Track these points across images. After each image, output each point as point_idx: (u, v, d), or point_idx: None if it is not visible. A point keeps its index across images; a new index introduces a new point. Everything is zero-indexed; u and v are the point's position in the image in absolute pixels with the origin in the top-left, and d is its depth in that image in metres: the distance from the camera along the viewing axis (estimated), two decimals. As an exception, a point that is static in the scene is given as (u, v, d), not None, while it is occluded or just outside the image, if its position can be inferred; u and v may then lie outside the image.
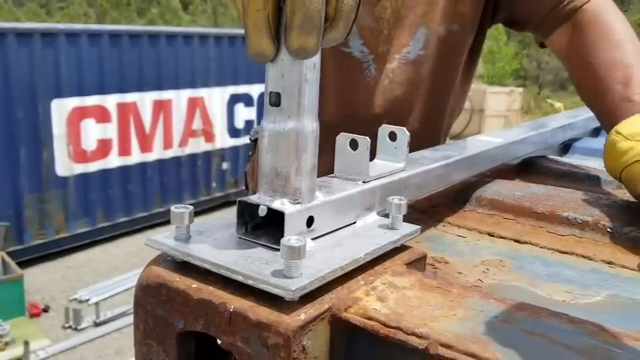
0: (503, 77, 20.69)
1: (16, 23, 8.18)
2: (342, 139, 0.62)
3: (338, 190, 0.57)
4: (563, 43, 1.04)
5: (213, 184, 7.68)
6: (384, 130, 0.69)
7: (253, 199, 0.52)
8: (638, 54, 0.92)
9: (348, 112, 1.15)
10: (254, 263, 0.46)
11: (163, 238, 0.50)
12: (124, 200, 6.74)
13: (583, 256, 0.65)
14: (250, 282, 0.44)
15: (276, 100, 0.51)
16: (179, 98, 7.11)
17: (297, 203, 0.51)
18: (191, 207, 0.51)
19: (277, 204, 0.50)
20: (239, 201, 0.52)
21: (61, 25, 7.00)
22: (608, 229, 0.69)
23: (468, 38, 1.17)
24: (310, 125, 0.51)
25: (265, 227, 0.52)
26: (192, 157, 7.38)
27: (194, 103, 7.30)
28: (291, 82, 0.50)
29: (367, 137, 0.60)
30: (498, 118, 15.39)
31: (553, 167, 1.02)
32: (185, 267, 0.48)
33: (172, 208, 0.50)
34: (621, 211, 0.72)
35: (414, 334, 0.41)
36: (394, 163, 0.68)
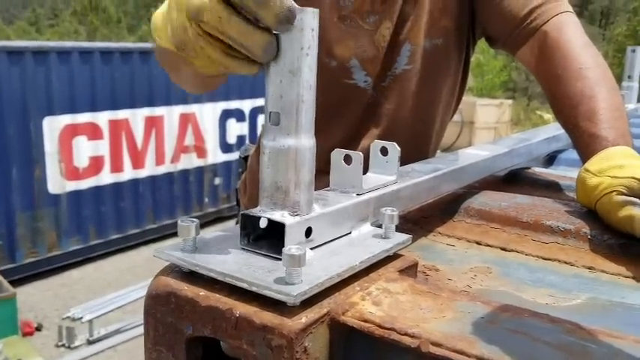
0: (492, 89, 20.89)
1: (7, 42, 8.20)
2: (337, 154, 0.66)
3: (334, 202, 0.60)
4: (532, 62, 1.08)
5: (206, 200, 7.70)
6: (376, 145, 0.73)
7: (255, 211, 0.55)
8: (601, 79, 0.95)
9: (351, 135, 1.21)
10: (257, 271, 0.49)
11: (171, 249, 0.54)
12: (116, 217, 6.74)
13: (565, 262, 0.69)
14: (254, 288, 0.47)
15: (275, 119, 0.55)
16: (171, 114, 7.15)
17: (297, 215, 0.54)
18: (197, 220, 0.54)
19: (278, 216, 0.54)
20: (242, 214, 0.55)
21: (53, 43, 7.02)
22: (589, 237, 0.73)
23: (452, 52, 1.21)
24: (308, 142, 0.55)
25: (267, 238, 0.55)
26: (185, 172, 7.40)
27: (186, 119, 7.34)
28: (289, 102, 0.54)
29: (360, 153, 0.64)
30: (488, 130, 15.51)
31: (538, 178, 1.07)
32: (192, 276, 0.51)
33: (179, 221, 0.54)
34: (600, 220, 0.76)
35: (406, 334, 0.44)
36: (386, 176, 0.72)
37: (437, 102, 1.25)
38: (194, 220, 0.54)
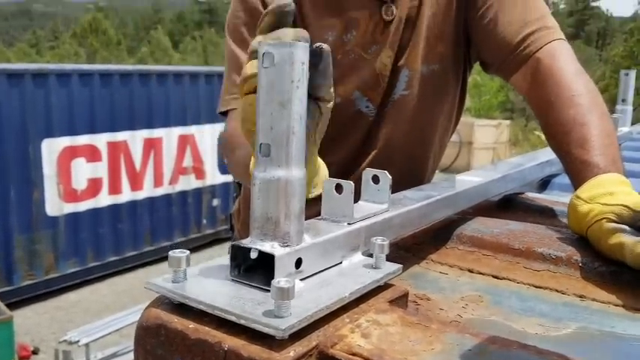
0: (490, 110, 21.00)
1: (8, 64, 8.26)
2: (328, 184, 0.66)
3: (325, 232, 0.61)
4: (524, 88, 1.09)
5: (204, 221, 7.70)
6: (368, 173, 0.74)
7: (245, 242, 0.56)
8: (592, 106, 0.96)
9: (352, 158, 1.23)
10: (247, 304, 0.50)
11: (162, 281, 0.54)
12: (114, 239, 6.73)
13: (556, 290, 0.69)
14: (243, 322, 0.47)
15: (266, 150, 0.55)
16: (170, 136, 7.18)
17: (287, 246, 0.55)
18: (187, 252, 0.55)
19: (268, 247, 0.54)
20: (232, 245, 0.55)
21: (52, 66, 7.08)
22: (580, 264, 0.73)
23: (449, 77, 1.23)
24: (298, 173, 0.56)
25: (257, 269, 0.55)
26: (183, 194, 7.41)
27: (185, 140, 7.37)
28: (279, 134, 0.54)
29: (351, 182, 0.64)
30: (487, 150, 15.57)
31: (531, 204, 1.07)
32: (183, 308, 0.51)
33: (170, 253, 0.54)
34: (592, 247, 0.76)
35: (395, 367, 0.44)
36: (378, 204, 0.72)
37: (434, 125, 1.27)
38: (185, 251, 0.54)
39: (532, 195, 1.14)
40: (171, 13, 63.27)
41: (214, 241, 7.75)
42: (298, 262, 0.56)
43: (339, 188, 0.66)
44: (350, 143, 1.22)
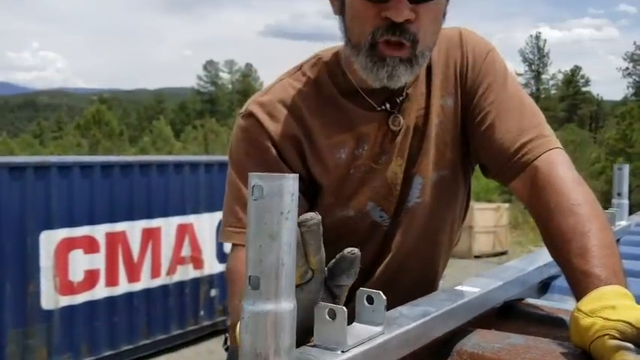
0: (488, 192, 21.12)
1: (10, 157, 8.39)
2: (320, 309, 0.65)
3: (317, 364, 0.59)
4: (524, 195, 1.09)
5: (202, 313, 7.53)
6: (362, 293, 0.72)
7: (233, 381, 0.53)
8: (592, 216, 0.96)
9: (367, 267, 1.22)
10: None
11: None
12: (109, 333, 6.56)
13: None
14: None
15: (255, 283, 0.54)
16: (168, 225, 7.16)
17: (276, 385, 0.52)
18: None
19: (256, 387, 0.52)
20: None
21: (54, 158, 7.17)
22: (585, 388, 0.70)
23: (459, 181, 1.25)
24: (287, 306, 0.54)
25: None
26: (180, 284, 7.30)
27: (183, 230, 7.34)
28: (268, 266, 0.54)
29: (344, 308, 0.63)
30: (487, 234, 15.50)
31: (532, 312, 1.05)
32: None
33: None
34: (597, 366, 0.73)
35: None
36: (373, 326, 0.70)
37: (445, 228, 1.27)
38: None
39: (532, 301, 1.12)
40: (173, 103, 65.04)
41: (212, 333, 7.55)
42: (289, 401, 0.53)
43: (332, 313, 0.64)
44: (365, 255, 1.21)
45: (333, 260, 0.66)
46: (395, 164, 1.17)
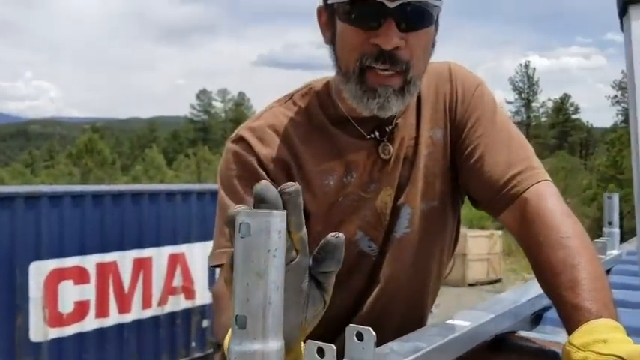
0: (481, 219, 21.14)
1: (0, 187, 8.33)
2: (310, 346, 0.64)
3: (305, 404, 0.57)
4: (514, 227, 1.09)
5: (193, 344, 7.43)
6: (351, 329, 0.71)
7: None
8: (582, 248, 0.95)
9: (356, 300, 1.21)
10: None
11: None
12: (100, 365, 6.46)
13: None
14: None
15: (242, 322, 0.53)
16: (160, 255, 7.11)
17: None
18: None
19: None
20: None
21: (45, 188, 7.15)
22: None
23: (448, 212, 1.24)
24: (275, 345, 0.53)
25: None
26: (172, 315, 7.21)
27: (175, 259, 7.29)
28: (255, 305, 0.53)
29: (334, 346, 0.62)
30: (481, 261, 15.48)
31: (525, 345, 1.04)
32: None
33: None
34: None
35: None
36: (363, 364, 0.69)
37: (433, 260, 1.26)
38: None
39: (525, 334, 1.11)
40: (166, 132, 65.18)
41: (204, 364, 7.45)
42: None
43: (321, 351, 0.63)
44: (353, 285, 1.21)
45: (317, 246, 0.64)
46: (384, 193, 1.17)
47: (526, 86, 58.44)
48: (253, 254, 0.53)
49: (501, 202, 1.10)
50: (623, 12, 0.33)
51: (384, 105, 1.04)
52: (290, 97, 1.21)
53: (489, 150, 1.13)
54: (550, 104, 57.89)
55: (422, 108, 1.19)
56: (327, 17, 1.10)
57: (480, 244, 15.57)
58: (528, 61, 62.11)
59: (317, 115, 1.17)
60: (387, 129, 1.16)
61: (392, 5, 0.97)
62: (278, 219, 0.54)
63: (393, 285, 1.21)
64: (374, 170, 1.16)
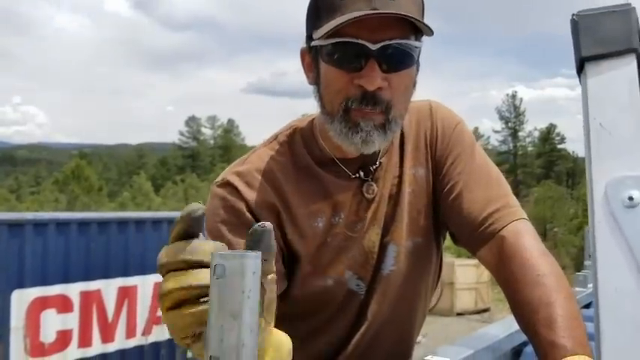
0: (468, 249, 21.14)
1: (-15, 214, 8.23)
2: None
3: None
4: (492, 264, 1.10)
5: (177, 374, 7.31)
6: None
7: None
8: (558, 287, 0.97)
9: (344, 336, 1.22)
10: None
11: None
12: (81, 397, 6.32)
13: None
14: None
15: (215, 364, 0.54)
16: (145, 283, 7.02)
17: None
18: None
19: None
20: None
21: (30, 215, 7.06)
22: None
23: (432, 247, 1.26)
24: (249, 386, 0.53)
25: None
26: (156, 345, 7.10)
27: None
28: (229, 346, 0.53)
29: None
30: (469, 290, 15.44)
31: (505, 381, 1.04)
32: None
33: None
34: None
35: None
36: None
37: (419, 294, 1.27)
38: None
39: (505, 370, 1.11)
40: (154, 158, 65.05)
41: (188, 395, 7.31)
42: None
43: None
44: (341, 323, 1.22)
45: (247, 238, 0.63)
46: (372, 232, 1.18)
47: (512, 116, 59.18)
48: (228, 296, 0.54)
49: (479, 239, 1.11)
50: (580, 69, 0.35)
51: (367, 140, 1.06)
52: (275, 138, 1.22)
53: (468, 187, 1.15)
54: (537, 134, 58.63)
55: (405, 145, 1.21)
56: (311, 59, 1.12)
57: (468, 273, 15.55)
58: (515, 92, 63.15)
59: (303, 156, 1.18)
60: (372, 168, 1.17)
61: (374, 47, 0.99)
62: (252, 260, 0.55)
63: (380, 321, 1.22)
64: (360, 209, 1.17)
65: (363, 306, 1.21)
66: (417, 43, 1.05)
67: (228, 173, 1.17)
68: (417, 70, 1.12)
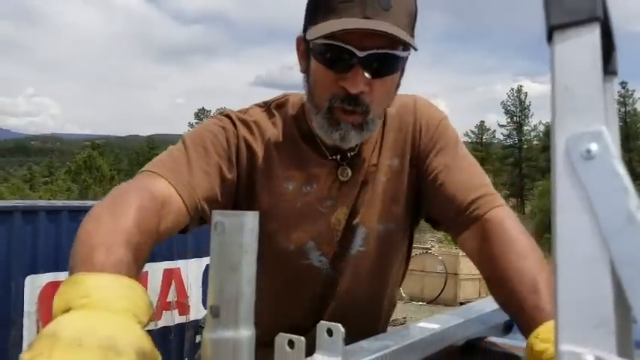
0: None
1: (-1, 201, 8.36)
2: (280, 339, 0.70)
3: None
4: (474, 248, 1.16)
5: (186, 359, 7.42)
6: (322, 326, 0.77)
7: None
8: (541, 263, 1.04)
9: (313, 310, 1.29)
10: None
11: None
12: (92, 379, 6.43)
13: None
14: None
15: (216, 312, 0.59)
16: (154, 270, 7.12)
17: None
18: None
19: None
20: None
21: (43, 202, 7.18)
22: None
23: (403, 235, 1.34)
24: (246, 333, 0.59)
25: None
26: (165, 330, 7.21)
27: (170, 274, 7.30)
28: (228, 296, 0.59)
29: (302, 338, 0.68)
30: (473, 281, 15.43)
31: (494, 349, 1.09)
32: None
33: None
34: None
35: None
36: (332, 357, 0.75)
37: (388, 278, 1.35)
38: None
39: (495, 339, 1.17)
40: (164, 149, 65.20)
41: (197, 380, 7.41)
42: None
43: (291, 343, 0.69)
44: (304, 299, 1.29)
45: None
46: (340, 212, 1.25)
47: (518, 110, 58.85)
48: (227, 250, 0.59)
49: (464, 222, 1.18)
50: (549, 37, 0.40)
51: (345, 137, 1.14)
52: (268, 105, 1.31)
53: (453, 175, 1.22)
54: (542, 128, 58.24)
55: (385, 136, 1.28)
56: (304, 49, 1.19)
57: (472, 264, 15.53)
58: (520, 86, 62.61)
59: (290, 126, 1.26)
60: (349, 154, 1.24)
61: (361, 54, 1.05)
62: (250, 218, 0.60)
63: (349, 300, 1.29)
64: (332, 188, 1.25)
65: (329, 284, 1.28)
66: (403, 53, 1.11)
67: (232, 113, 1.26)
68: (402, 74, 1.20)
